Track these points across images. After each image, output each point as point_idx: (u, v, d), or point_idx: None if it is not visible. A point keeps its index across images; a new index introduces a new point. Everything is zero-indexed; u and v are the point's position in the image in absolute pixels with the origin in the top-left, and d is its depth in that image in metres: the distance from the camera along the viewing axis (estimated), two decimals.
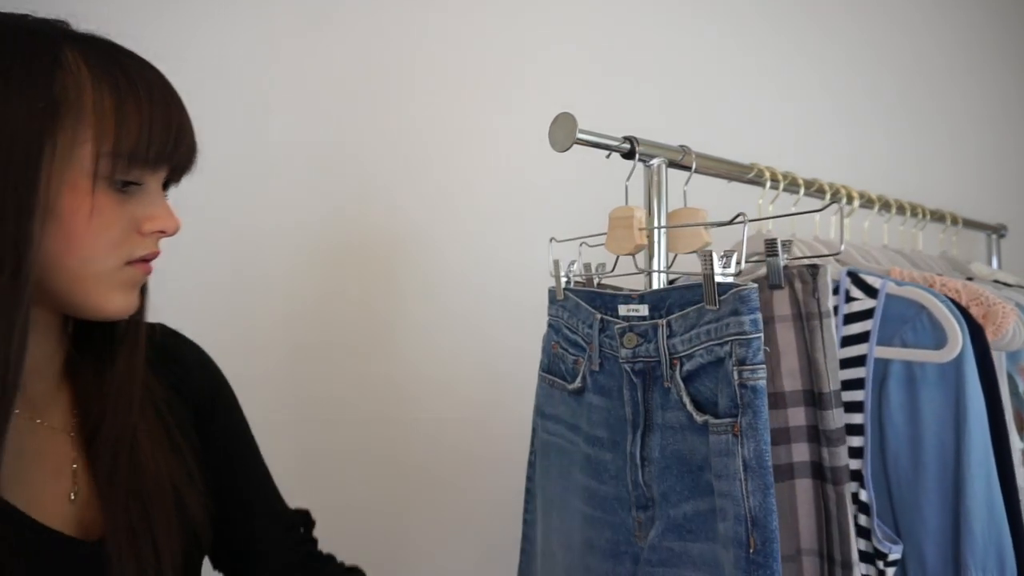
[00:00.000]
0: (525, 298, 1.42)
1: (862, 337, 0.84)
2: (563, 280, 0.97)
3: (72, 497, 0.64)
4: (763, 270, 0.86)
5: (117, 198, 0.58)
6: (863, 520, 0.82)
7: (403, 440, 1.36)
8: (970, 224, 1.49)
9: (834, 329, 0.80)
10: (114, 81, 0.57)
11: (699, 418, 0.76)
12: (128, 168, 0.58)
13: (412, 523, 1.38)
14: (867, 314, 0.85)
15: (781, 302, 0.82)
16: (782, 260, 0.82)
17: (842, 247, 0.86)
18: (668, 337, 0.80)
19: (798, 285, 0.81)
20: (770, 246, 0.83)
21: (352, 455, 1.33)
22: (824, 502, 0.79)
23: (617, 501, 0.85)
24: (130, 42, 0.63)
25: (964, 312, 0.84)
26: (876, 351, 0.83)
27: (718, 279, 0.74)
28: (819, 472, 0.80)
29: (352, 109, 1.36)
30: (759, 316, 0.71)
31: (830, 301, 0.80)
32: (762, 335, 0.72)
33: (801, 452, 0.80)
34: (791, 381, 0.81)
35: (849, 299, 0.86)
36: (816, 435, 0.80)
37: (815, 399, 0.80)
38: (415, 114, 1.40)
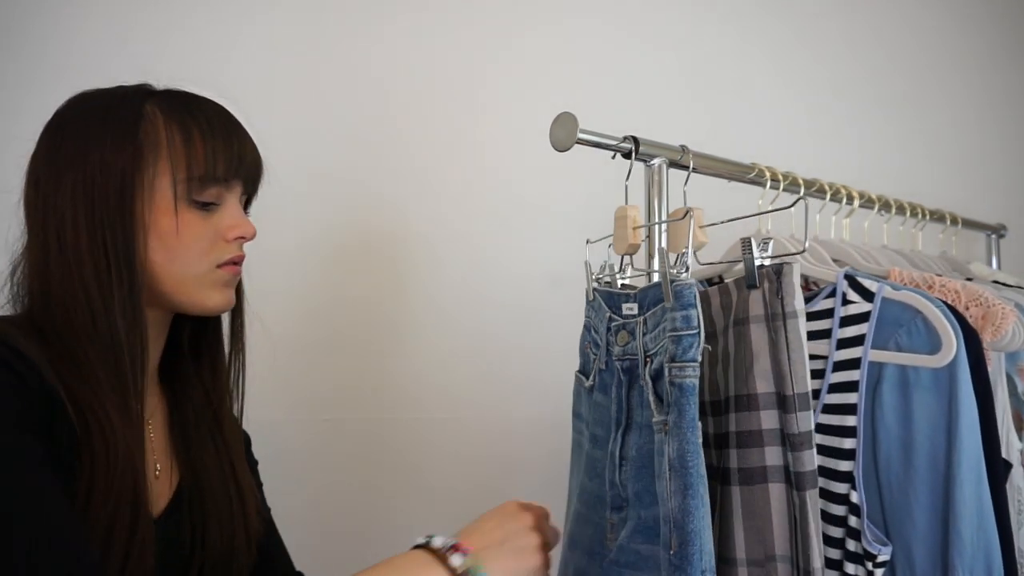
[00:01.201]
0: (525, 299, 1.43)
1: (857, 340, 0.85)
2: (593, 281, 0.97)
3: (156, 475, 0.75)
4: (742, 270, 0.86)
5: (201, 215, 0.72)
6: (853, 521, 0.82)
7: (403, 440, 1.37)
8: (970, 224, 1.49)
9: (802, 330, 0.79)
10: (181, 120, 0.70)
11: (657, 417, 0.76)
12: (202, 187, 0.71)
13: (411, 523, 1.38)
14: (863, 317, 0.85)
15: (756, 302, 0.82)
16: (756, 259, 0.82)
17: (807, 244, 0.87)
18: (643, 334, 0.80)
19: (766, 286, 0.81)
20: (745, 245, 0.83)
21: (352, 455, 1.34)
22: (791, 507, 0.80)
23: (599, 500, 0.86)
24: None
25: (959, 317, 0.84)
26: (871, 354, 0.84)
27: (671, 276, 0.74)
28: (788, 477, 0.79)
29: (354, 112, 1.36)
30: (693, 312, 0.71)
31: (798, 301, 0.79)
32: (696, 332, 0.71)
33: (774, 456, 0.79)
34: (763, 383, 0.80)
35: (846, 302, 0.87)
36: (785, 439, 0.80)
37: (781, 402, 0.80)
38: (416, 117, 1.40)
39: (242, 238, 0.75)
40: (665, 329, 0.76)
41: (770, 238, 0.85)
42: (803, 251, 0.86)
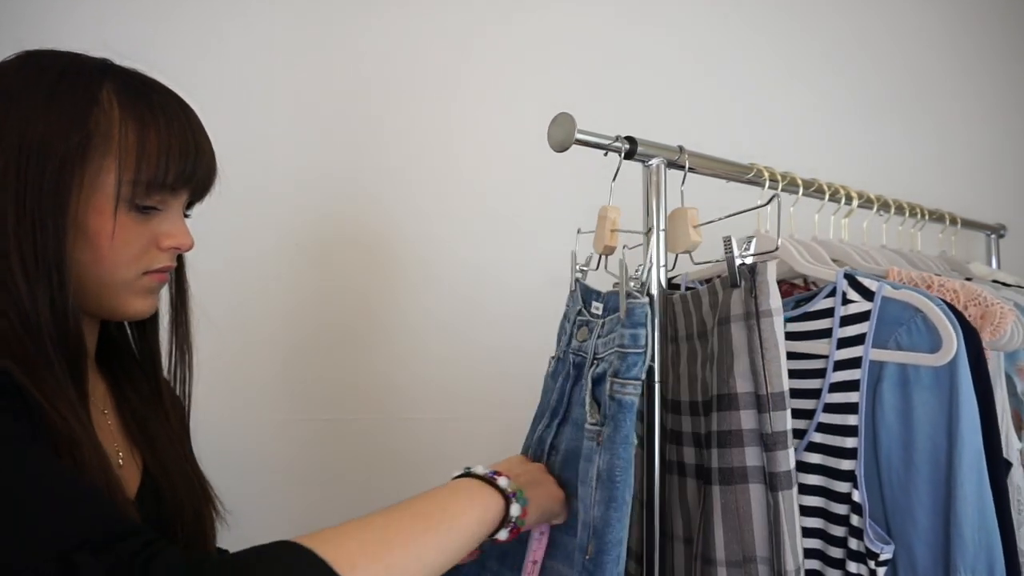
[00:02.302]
0: (524, 298, 1.43)
1: (858, 339, 0.85)
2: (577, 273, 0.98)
3: (120, 462, 0.73)
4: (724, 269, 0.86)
5: (139, 218, 0.67)
6: (855, 520, 0.82)
7: (403, 440, 1.37)
8: (969, 224, 1.49)
9: (778, 329, 0.78)
10: (139, 115, 0.65)
11: (590, 420, 0.78)
12: (147, 193, 0.66)
13: None
14: (863, 316, 0.85)
15: (736, 301, 0.82)
16: (737, 259, 0.82)
17: (779, 242, 0.87)
18: (598, 337, 0.81)
19: (744, 285, 0.81)
20: (726, 244, 0.83)
21: (352, 455, 1.34)
22: (770, 508, 0.79)
23: None
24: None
25: (959, 316, 0.84)
26: (871, 353, 0.84)
27: (628, 289, 0.75)
28: (765, 477, 0.79)
29: (349, 111, 1.36)
30: (641, 332, 0.72)
31: (773, 300, 0.79)
32: (643, 351, 0.72)
33: (753, 456, 0.79)
34: (744, 383, 0.80)
35: (846, 301, 0.87)
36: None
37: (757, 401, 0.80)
38: (411, 116, 1.40)
39: (177, 248, 0.71)
40: (614, 340, 0.76)
41: (752, 236, 0.85)
42: (776, 249, 0.86)
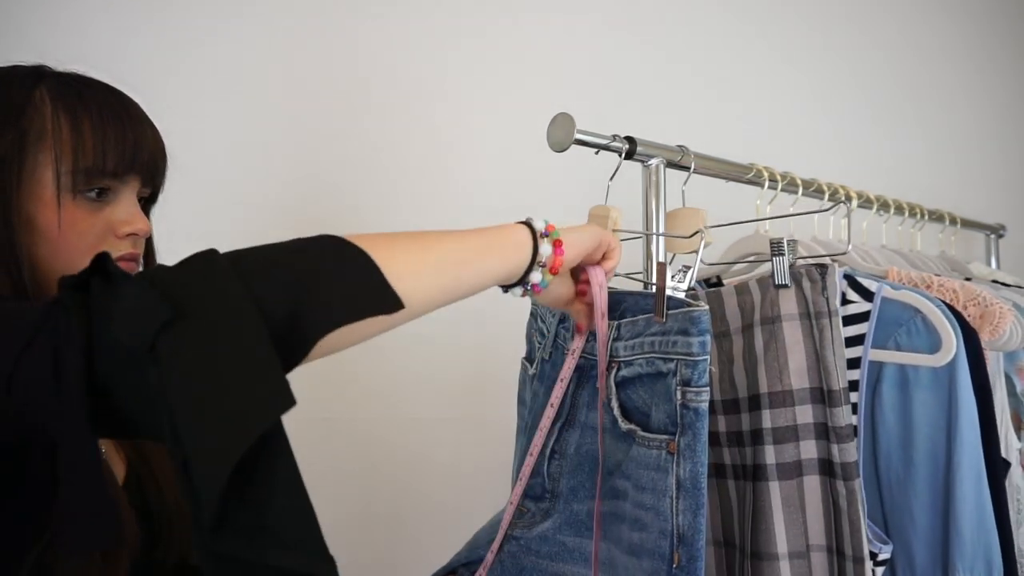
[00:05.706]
0: (526, 300, 1.42)
1: (857, 340, 0.85)
2: None
3: (102, 455, 0.71)
4: (765, 268, 0.86)
5: (90, 207, 0.69)
6: None
7: (403, 440, 1.37)
8: (969, 224, 1.49)
9: (842, 328, 0.81)
10: (71, 108, 0.67)
11: (624, 425, 0.77)
12: (89, 181, 0.68)
13: (411, 523, 1.38)
14: (863, 317, 0.85)
15: (787, 301, 0.83)
16: (788, 259, 0.83)
17: (849, 247, 0.87)
18: (614, 340, 0.80)
19: (806, 284, 0.82)
20: (776, 245, 0.83)
21: (352, 455, 1.34)
22: (834, 498, 0.80)
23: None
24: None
25: (958, 316, 0.85)
26: (870, 354, 0.84)
27: (669, 293, 0.74)
28: (827, 469, 0.81)
29: (343, 110, 1.36)
30: (708, 339, 0.72)
31: (838, 300, 0.81)
32: (708, 357, 0.72)
33: (809, 449, 0.81)
34: (799, 379, 0.82)
35: (845, 302, 0.87)
36: (825, 432, 0.81)
37: (824, 396, 0.81)
38: (406, 116, 1.39)
39: (134, 234, 0.71)
40: (654, 344, 0.75)
41: (795, 240, 0.86)
42: (847, 251, 0.86)
